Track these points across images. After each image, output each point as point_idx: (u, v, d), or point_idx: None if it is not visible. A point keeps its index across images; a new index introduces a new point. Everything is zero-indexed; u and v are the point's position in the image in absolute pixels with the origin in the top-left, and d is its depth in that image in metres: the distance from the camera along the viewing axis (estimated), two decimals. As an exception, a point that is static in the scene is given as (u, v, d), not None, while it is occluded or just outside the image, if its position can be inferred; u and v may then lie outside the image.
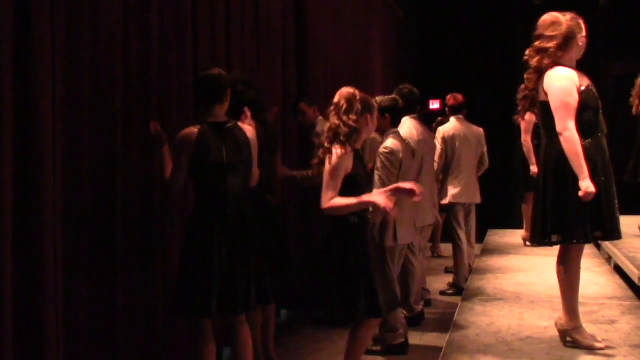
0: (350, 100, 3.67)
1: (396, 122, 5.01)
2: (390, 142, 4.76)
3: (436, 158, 6.45)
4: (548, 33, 3.84)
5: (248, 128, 3.85)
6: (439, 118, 7.83)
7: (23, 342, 2.89)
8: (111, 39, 3.58)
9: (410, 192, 3.65)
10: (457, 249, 6.79)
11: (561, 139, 3.74)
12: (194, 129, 3.61)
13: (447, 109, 6.98)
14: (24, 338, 2.90)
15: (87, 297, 3.42)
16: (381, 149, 4.71)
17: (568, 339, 3.98)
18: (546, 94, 3.81)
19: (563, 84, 3.77)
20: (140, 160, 3.86)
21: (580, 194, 3.67)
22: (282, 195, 5.43)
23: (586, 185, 3.66)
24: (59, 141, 3.12)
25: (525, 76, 3.93)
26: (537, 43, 3.88)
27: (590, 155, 3.77)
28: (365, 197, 3.62)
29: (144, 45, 3.90)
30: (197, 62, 4.40)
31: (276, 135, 4.55)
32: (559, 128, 3.74)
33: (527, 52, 3.91)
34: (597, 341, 3.96)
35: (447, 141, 6.74)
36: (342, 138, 3.62)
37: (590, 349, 3.89)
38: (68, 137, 3.25)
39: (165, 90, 4.10)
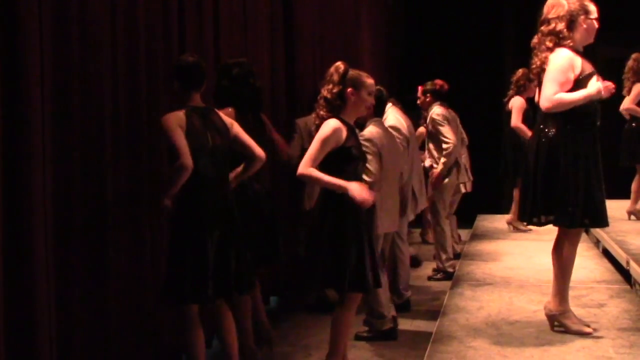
0: (330, 72, 3.82)
1: (380, 113, 5.01)
2: (368, 131, 4.74)
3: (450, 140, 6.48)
4: (551, 16, 3.85)
5: (224, 112, 3.84)
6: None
7: (14, 326, 2.88)
8: (98, 27, 3.55)
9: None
10: (439, 232, 6.81)
11: (552, 110, 3.74)
12: (180, 113, 3.60)
13: (427, 94, 6.88)
14: (15, 322, 2.89)
15: (79, 280, 3.43)
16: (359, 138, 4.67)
17: (556, 323, 4.00)
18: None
19: (560, 63, 3.78)
20: (129, 149, 3.85)
21: (605, 93, 3.75)
22: (270, 181, 5.43)
23: (595, 89, 3.71)
24: (47, 126, 3.10)
25: (533, 58, 3.93)
26: (543, 27, 3.88)
27: (583, 147, 3.80)
28: (344, 182, 3.62)
29: (131, 36, 3.88)
30: (184, 51, 4.37)
31: (264, 125, 4.53)
32: (543, 102, 3.75)
33: (534, 38, 3.92)
34: (586, 325, 3.98)
35: (450, 123, 6.69)
36: (324, 109, 3.76)
37: (579, 334, 3.91)
38: (57, 123, 3.25)
39: (154, 80, 4.08)
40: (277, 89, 5.97)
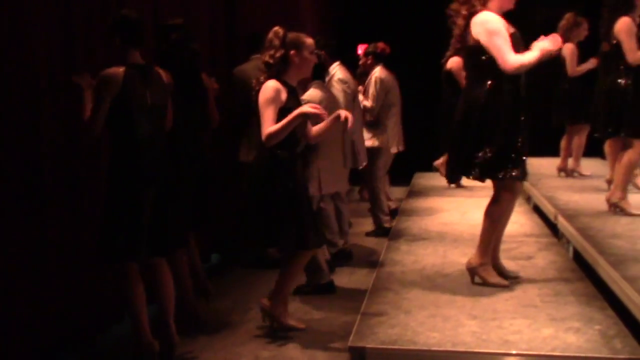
0: (269, 38, 3.90)
1: (320, 76, 5.08)
2: (308, 94, 4.85)
3: (371, 102, 6.63)
4: None
5: (163, 72, 3.84)
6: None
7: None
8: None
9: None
10: (375, 191, 6.94)
11: (512, 72, 3.82)
12: (119, 70, 3.56)
13: (368, 56, 6.97)
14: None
15: (16, 236, 3.42)
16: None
17: (476, 277, 4.17)
18: (474, 39, 3.91)
19: (492, 26, 3.86)
20: (66, 102, 3.82)
21: (552, 48, 3.82)
22: (211, 139, 5.43)
23: (541, 47, 3.80)
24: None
25: (455, 22, 4.03)
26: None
27: (508, 106, 3.92)
28: (295, 112, 3.74)
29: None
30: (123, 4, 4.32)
31: (203, 88, 4.52)
32: (508, 68, 3.81)
33: (452, 6, 4.02)
34: (503, 279, 4.15)
35: (384, 87, 6.79)
36: (265, 75, 3.86)
37: (497, 287, 4.08)
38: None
39: (90, 34, 4.03)
40: (216, 47, 5.95)
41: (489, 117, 3.92)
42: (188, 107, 4.22)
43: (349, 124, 3.84)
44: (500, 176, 3.97)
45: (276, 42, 3.87)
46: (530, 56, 3.83)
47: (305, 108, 3.75)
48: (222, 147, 5.83)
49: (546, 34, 3.95)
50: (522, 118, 3.95)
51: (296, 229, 3.88)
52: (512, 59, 3.81)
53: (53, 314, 3.75)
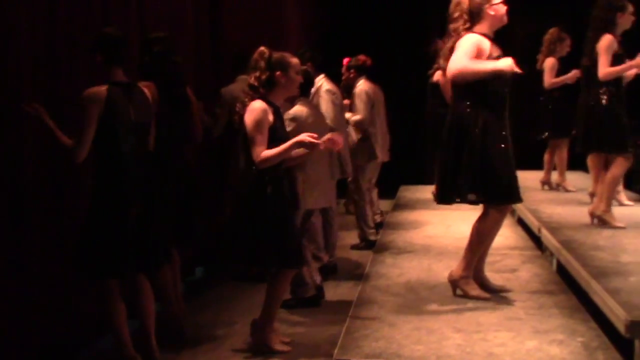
0: (254, 59, 3.87)
1: (306, 92, 5.10)
2: (293, 110, 4.86)
3: (361, 115, 6.63)
4: (455, 15, 4.02)
5: (147, 87, 3.84)
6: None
7: None
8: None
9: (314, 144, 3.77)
10: (360, 204, 6.95)
11: (458, 79, 3.89)
12: (102, 88, 3.56)
13: (351, 70, 6.99)
14: None
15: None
16: (285, 116, 4.74)
17: (457, 290, 4.18)
18: None
19: (469, 42, 3.92)
20: (50, 114, 3.80)
21: (508, 68, 3.85)
22: (194, 155, 5.43)
23: (501, 65, 3.84)
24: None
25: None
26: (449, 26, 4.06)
27: (495, 126, 3.96)
28: (291, 141, 3.75)
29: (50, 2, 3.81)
30: (108, 17, 4.32)
31: (187, 101, 4.51)
32: (448, 71, 3.89)
33: (432, 50, 4.10)
34: (483, 292, 4.16)
35: (370, 99, 6.82)
36: (249, 96, 3.83)
37: (477, 299, 4.09)
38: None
39: (73, 47, 4.02)
40: (201, 61, 5.95)
41: (469, 139, 3.96)
42: (172, 119, 4.21)
43: (338, 145, 3.87)
44: (491, 201, 4.03)
45: (261, 63, 3.85)
46: (479, 64, 3.88)
47: (303, 137, 3.73)
48: (207, 160, 5.83)
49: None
50: (504, 145, 3.98)
51: (280, 249, 3.86)
52: (459, 62, 3.86)
53: (35, 327, 3.72)
